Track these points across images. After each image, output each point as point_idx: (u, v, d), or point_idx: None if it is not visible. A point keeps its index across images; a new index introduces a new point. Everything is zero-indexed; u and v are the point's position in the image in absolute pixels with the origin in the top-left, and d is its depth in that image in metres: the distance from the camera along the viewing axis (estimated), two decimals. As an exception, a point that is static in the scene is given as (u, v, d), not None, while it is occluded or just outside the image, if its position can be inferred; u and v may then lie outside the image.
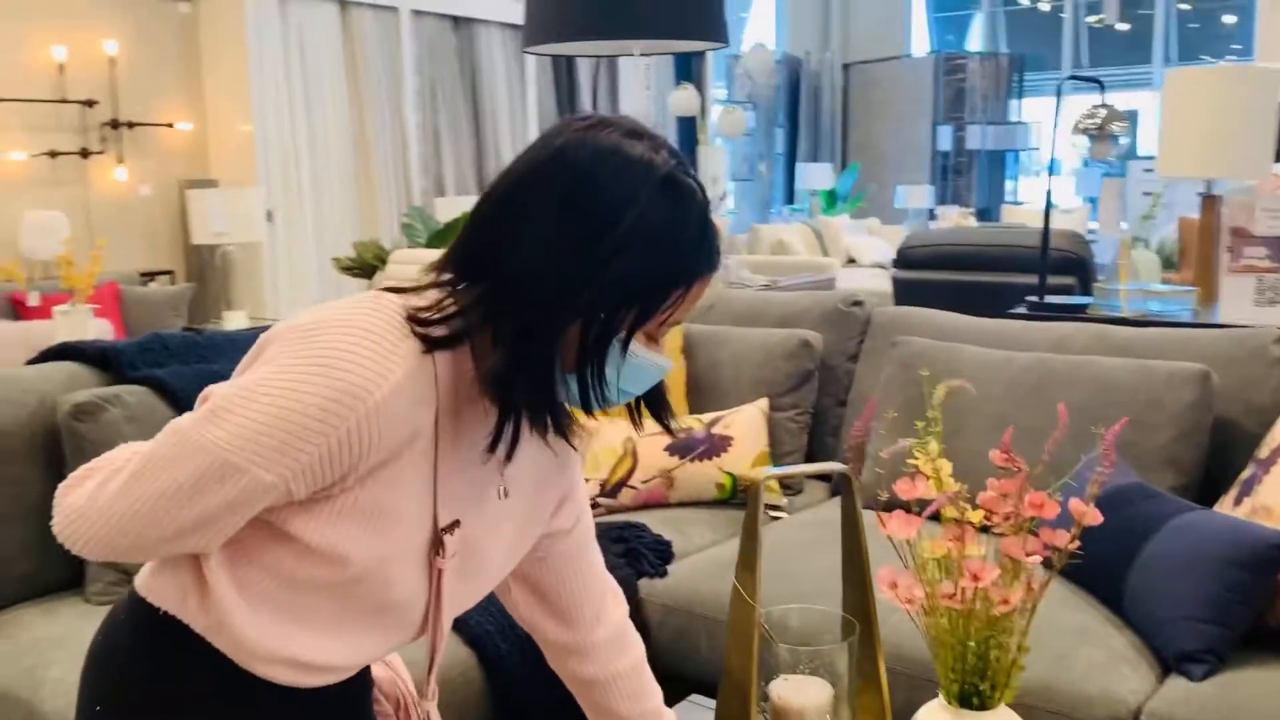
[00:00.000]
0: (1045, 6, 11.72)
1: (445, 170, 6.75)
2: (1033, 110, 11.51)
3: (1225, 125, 2.87)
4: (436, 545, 1.05)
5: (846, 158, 11.54)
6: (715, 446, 2.44)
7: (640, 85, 7.94)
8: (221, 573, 0.99)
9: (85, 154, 5.21)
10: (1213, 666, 1.65)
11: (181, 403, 1.98)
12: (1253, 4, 8.23)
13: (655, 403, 1.11)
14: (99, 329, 3.62)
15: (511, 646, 1.85)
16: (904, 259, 4.31)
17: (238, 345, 2.22)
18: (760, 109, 10.75)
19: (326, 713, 1.09)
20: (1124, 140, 2.90)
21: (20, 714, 1.68)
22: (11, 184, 4.94)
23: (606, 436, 2.43)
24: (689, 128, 6.61)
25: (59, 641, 1.75)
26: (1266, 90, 2.92)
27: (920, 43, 12.16)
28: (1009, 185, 11.92)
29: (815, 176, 10.19)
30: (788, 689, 1.26)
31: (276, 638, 1.01)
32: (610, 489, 2.39)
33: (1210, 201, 2.96)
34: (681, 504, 2.44)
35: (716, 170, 5.50)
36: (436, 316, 0.97)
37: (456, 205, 5.97)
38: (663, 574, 2.13)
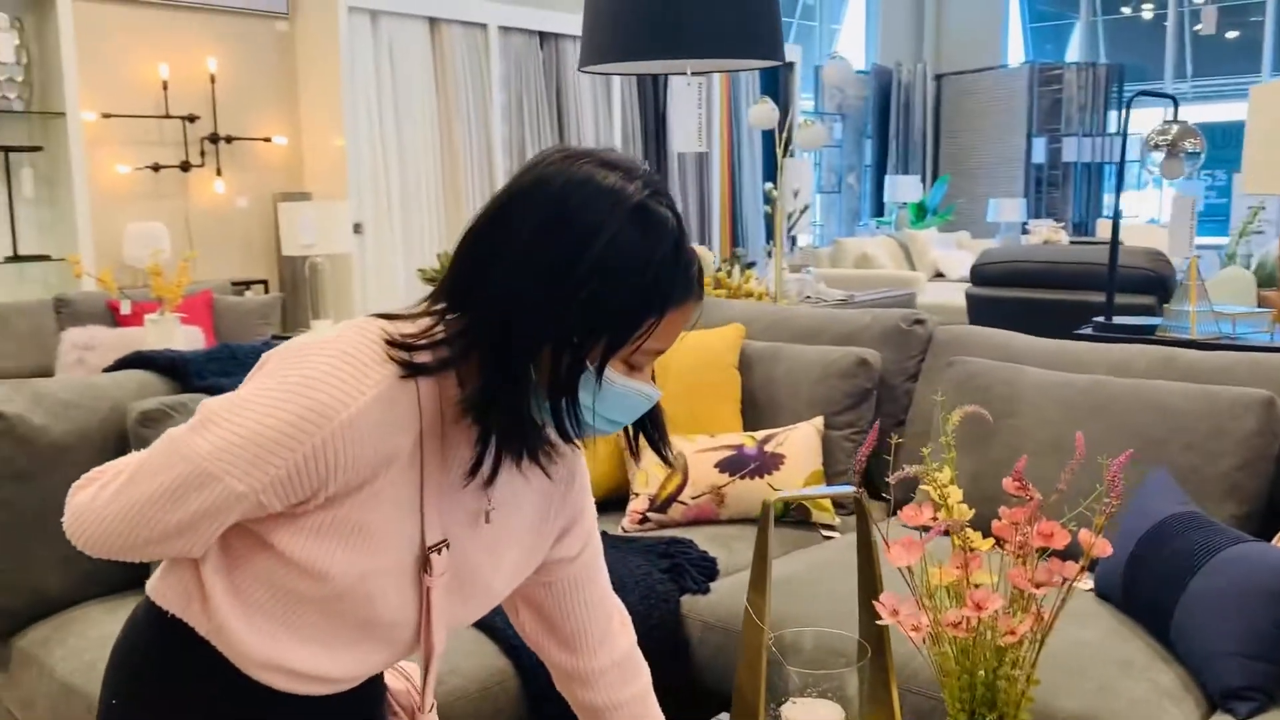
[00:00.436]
0: (1147, 15, 11.37)
1: (530, 183, 6.83)
2: (1133, 122, 11.17)
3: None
4: (425, 564, 1.08)
5: (937, 170, 11.37)
6: (767, 464, 2.44)
7: (725, 103, 7.95)
8: (217, 579, 1.05)
9: (186, 167, 5.42)
10: (1260, 704, 1.59)
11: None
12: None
13: (651, 432, 1.12)
14: (187, 336, 3.78)
15: (549, 657, 1.88)
16: (978, 275, 4.24)
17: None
18: (849, 120, 10.66)
19: (335, 719, 1.13)
20: (1197, 157, 2.81)
21: (82, 707, 1.77)
22: (117, 196, 5.18)
23: (657, 451, 2.45)
24: (772, 141, 6.60)
25: (121, 637, 1.84)
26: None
27: (1016, 53, 11.91)
28: (1107, 199, 11.59)
29: (903, 189, 10.06)
30: (798, 711, 1.26)
31: (271, 646, 1.05)
32: (660, 504, 2.41)
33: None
34: (732, 521, 2.44)
35: (799, 183, 5.49)
36: (423, 343, 1.00)
37: (539, 218, 6.04)
38: (705, 590, 2.14)
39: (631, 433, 1.12)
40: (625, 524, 2.43)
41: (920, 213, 10.33)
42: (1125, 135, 2.84)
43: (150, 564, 1.19)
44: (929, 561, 1.20)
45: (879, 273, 7.63)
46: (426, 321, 1.02)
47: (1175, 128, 2.87)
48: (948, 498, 1.18)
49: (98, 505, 1.02)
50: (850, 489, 1.26)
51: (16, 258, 4.74)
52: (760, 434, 2.50)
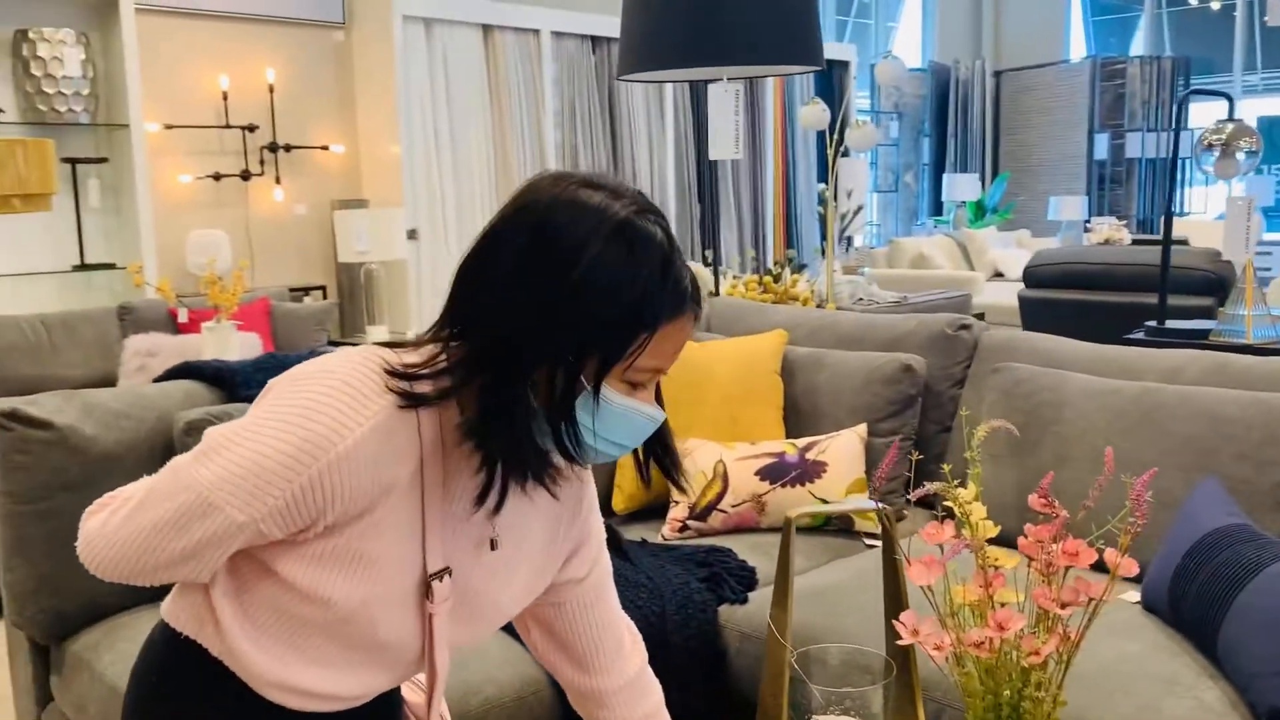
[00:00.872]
0: (1215, 5, 11.08)
1: (583, 188, 6.85)
2: (1201, 116, 10.90)
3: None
4: (427, 591, 1.08)
5: (996, 168, 11.19)
6: (808, 472, 2.42)
7: (779, 104, 7.91)
8: (226, 603, 1.07)
9: (246, 176, 5.54)
10: (1309, 725, 1.54)
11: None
12: None
13: (662, 456, 1.11)
14: (244, 343, 3.86)
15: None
16: (1031, 277, 4.16)
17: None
18: (906, 119, 10.54)
19: None
20: (1255, 156, 2.73)
21: (129, 709, 1.82)
22: (179, 205, 5.31)
23: (697, 459, 2.45)
24: (824, 142, 6.55)
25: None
26: None
27: (1078, 47, 11.68)
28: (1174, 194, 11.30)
29: (961, 187, 9.91)
30: (822, 728, 1.25)
31: (280, 667, 1.07)
32: (699, 512, 2.41)
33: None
34: (773, 529, 2.43)
35: (853, 183, 5.43)
36: (425, 372, 1.01)
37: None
38: (744, 600, 2.13)
39: (642, 456, 1.12)
40: (665, 532, 2.43)
41: (979, 211, 10.18)
42: (1178, 133, 2.77)
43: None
44: (954, 579, 1.18)
45: (935, 273, 7.53)
46: (430, 349, 1.03)
47: (1230, 126, 2.78)
48: (969, 515, 1.16)
49: (108, 531, 1.04)
50: (873, 505, 1.25)
51: (84, 266, 4.88)
52: (802, 441, 2.49)
